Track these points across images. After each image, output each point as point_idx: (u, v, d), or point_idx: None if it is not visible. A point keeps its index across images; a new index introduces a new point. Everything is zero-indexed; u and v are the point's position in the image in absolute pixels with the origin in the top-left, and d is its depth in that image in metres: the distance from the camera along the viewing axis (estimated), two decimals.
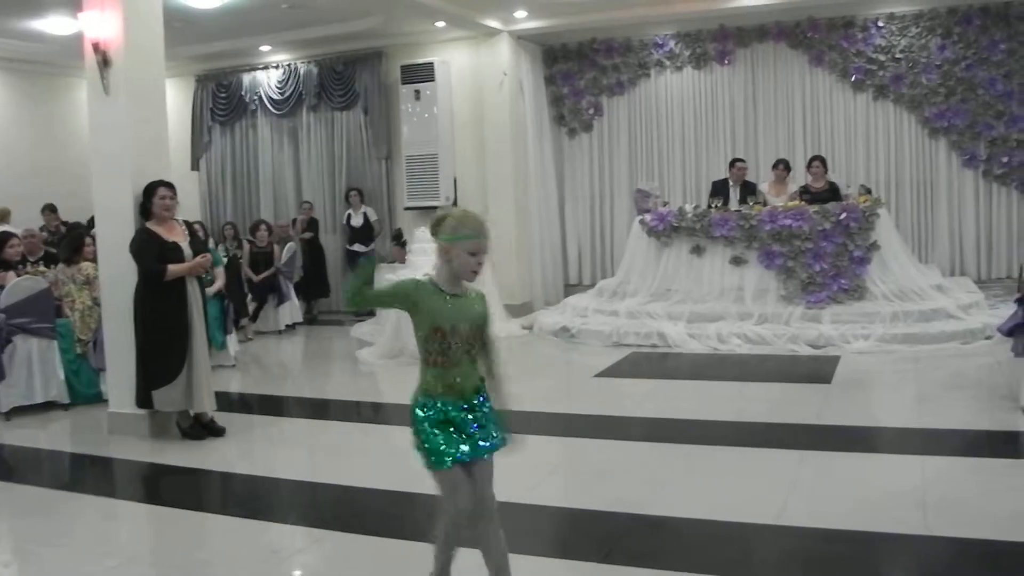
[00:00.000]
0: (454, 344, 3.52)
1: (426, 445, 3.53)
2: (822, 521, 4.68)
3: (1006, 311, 7.69)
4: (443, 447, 3.51)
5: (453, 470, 3.51)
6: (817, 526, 4.63)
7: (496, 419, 3.63)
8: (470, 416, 3.57)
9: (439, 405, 3.54)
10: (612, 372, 8.93)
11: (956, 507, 4.82)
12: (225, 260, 10.63)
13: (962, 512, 4.74)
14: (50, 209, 13.32)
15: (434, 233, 3.58)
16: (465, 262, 3.49)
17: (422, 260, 10.28)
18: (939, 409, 7.06)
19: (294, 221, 13.66)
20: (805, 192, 10.85)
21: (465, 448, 3.53)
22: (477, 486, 3.57)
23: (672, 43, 13.29)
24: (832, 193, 10.79)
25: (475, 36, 12.87)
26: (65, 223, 12.77)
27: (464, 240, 3.48)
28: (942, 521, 4.60)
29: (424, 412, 3.56)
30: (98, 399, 8.07)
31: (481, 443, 3.56)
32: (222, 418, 7.10)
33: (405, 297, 3.55)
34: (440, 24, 12.48)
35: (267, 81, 14.50)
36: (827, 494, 5.14)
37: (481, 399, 3.62)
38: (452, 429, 3.53)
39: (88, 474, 6.58)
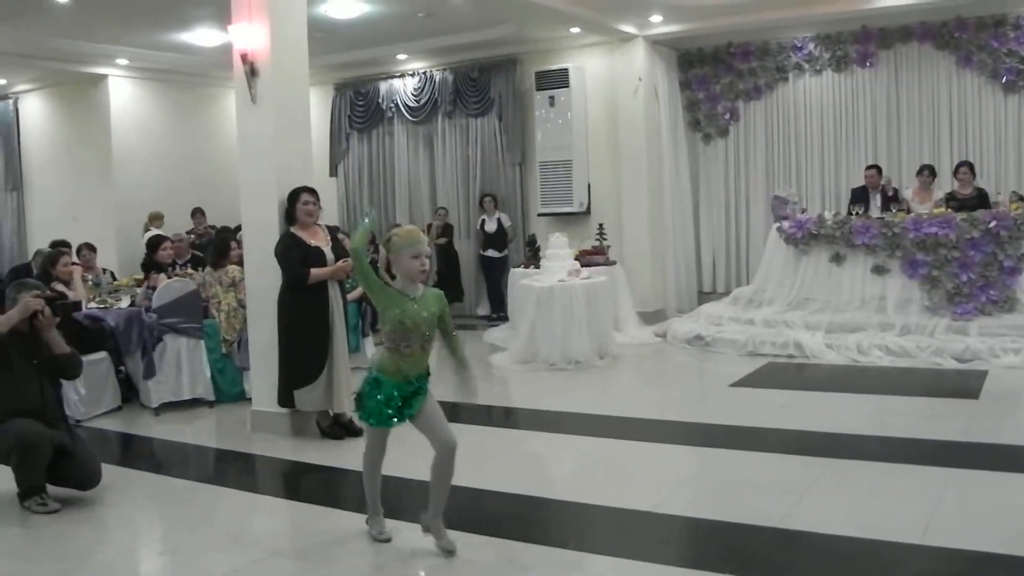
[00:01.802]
0: (413, 338, 4.47)
1: (367, 404, 4.56)
2: (970, 543, 4.49)
3: None
4: (381, 411, 4.53)
5: (378, 431, 4.65)
6: (964, 548, 4.45)
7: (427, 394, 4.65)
8: (409, 392, 4.55)
9: (384, 381, 4.51)
10: (748, 382, 8.77)
11: None
12: None
13: None
14: (200, 213, 13.86)
15: (386, 251, 4.59)
16: (409, 264, 4.48)
17: (556, 265, 10.31)
18: None
19: (429, 226, 13.84)
20: (952, 199, 10.45)
21: (395, 418, 4.56)
22: (434, 430, 4.61)
23: (811, 45, 12.96)
24: (980, 200, 10.37)
25: (610, 41, 12.83)
26: (212, 227, 13.26)
27: (404, 249, 4.47)
28: None
29: (375, 383, 4.55)
30: (241, 397, 8.37)
31: (407, 411, 4.56)
32: None
33: (377, 289, 4.50)
34: (575, 30, 12.50)
35: (403, 89, 14.78)
36: (975, 515, 4.94)
37: (421, 381, 4.60)
38: (388, 401, 4.52)
39: (232, 469, 6.81)
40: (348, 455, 6.60)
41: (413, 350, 4.51)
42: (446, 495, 4.63)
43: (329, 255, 6.95)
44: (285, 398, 6.98)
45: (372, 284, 4.51)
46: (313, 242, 6.91)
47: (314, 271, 6.79)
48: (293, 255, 6.80)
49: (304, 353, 6.86)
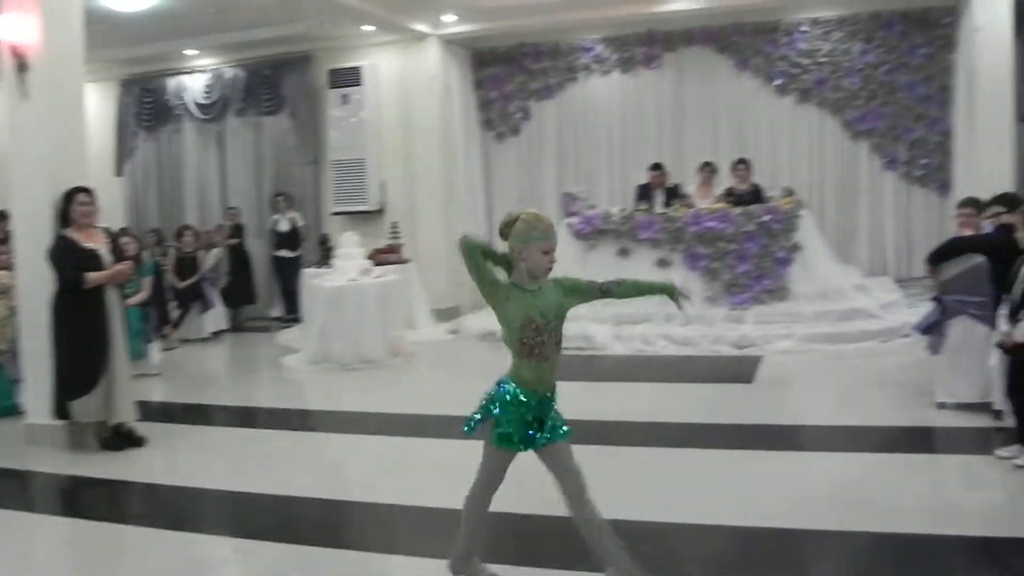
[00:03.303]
0: (547, 336, 3.84)
1: (503, 423, 3.86)
2: (749, 520, 4.77)
3: (923, 310, 7.86)
4: (511, 433, 3.85)
5: (504, 455, 3.90)
6: (741, 524, 4.72)
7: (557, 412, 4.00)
8: (544, 412, 3.93)
9: (522, 395, 3.87)
10: None
11: (873, 502, 4.95)
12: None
13: (878, 507, 4.86)
14: (4, 216, 12.90)
15: (504, 236, 3.83)
16: (538, 261, 3.78)
17: (347, 265, 10.23)
18: (858, 406, 7.23)
19: (219, 227, 13.49)
20: (729, 194, 10.99)
21: (536, 437, 3.90)
22: (560, 465, 3.91)
23: (600, 47, 13.36)
24: (756, 195, 10.94)
25: (404, 40, 12.83)
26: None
27: (536, 241, 3.75)
28: (860, 516, 4.72)
29: (510, 396, 3.88)
30: (15, 411, 7.84)
31: (553, 432, 3.93)
32: (145, 428, 6.97)
33: (497, 285, 3.81)
34: (368, 28, 12.44)
35: (193, 86, 14.31)
36: (750, 492, 5.22)
37: (554, 395, 3.98)
38: (530, 420, 3.88)
39: (4, 488, 6.38)
40: (130, 467, 6.38)
41: (549, 353, 3.90)
42: (615, 539, 3.94)
43: (107, 257, 6.63)
44: (60, 409, 6.63)
45: (484, 278, 3.79)
46: (88, 244, 6.58)
47: (92, 275, 6.47)
48: (67, 258, 6.47)
49: (80, 361, 6.54)
